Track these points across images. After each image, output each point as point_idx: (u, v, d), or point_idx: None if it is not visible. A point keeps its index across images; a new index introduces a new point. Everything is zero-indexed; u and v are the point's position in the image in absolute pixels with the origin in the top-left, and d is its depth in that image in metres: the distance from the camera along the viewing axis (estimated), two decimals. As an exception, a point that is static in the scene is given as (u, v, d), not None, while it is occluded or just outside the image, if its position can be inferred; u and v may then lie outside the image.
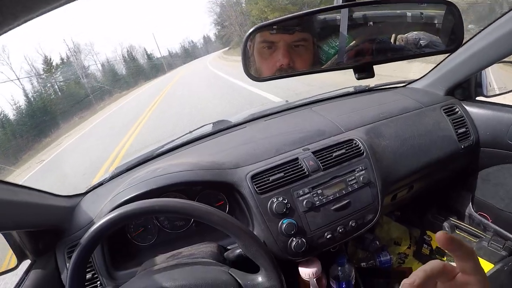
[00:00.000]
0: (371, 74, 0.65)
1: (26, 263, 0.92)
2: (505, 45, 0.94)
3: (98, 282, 0.89)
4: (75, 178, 5.71)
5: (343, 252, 1.03)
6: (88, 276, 0.88)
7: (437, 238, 0.36)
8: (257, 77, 0.71)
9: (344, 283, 1.00)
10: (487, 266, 1.14)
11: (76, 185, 5.03)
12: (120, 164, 1.18)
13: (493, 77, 1.25)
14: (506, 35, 0.92)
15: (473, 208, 1.28)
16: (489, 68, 1.18)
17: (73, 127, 18.41)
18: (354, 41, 0.72)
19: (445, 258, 1.26)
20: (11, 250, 0.89)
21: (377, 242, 1.19)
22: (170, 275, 0.68)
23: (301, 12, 0.67)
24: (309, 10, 0.67)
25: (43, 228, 0.88)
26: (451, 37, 0.73)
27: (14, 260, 0.90)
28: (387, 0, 0.77)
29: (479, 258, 1.17)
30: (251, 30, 0.69)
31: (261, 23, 0.69)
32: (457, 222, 1.25)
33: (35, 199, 0.80)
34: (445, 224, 1.25)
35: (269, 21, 0.68)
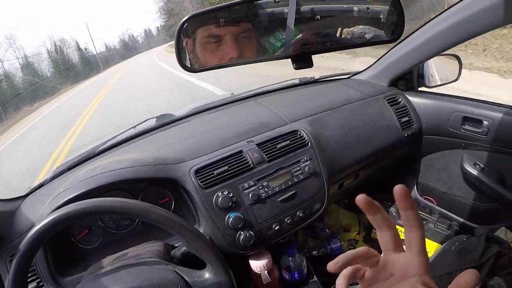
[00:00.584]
0: (310, 64, 0.66)
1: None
2: (446, 38, 0.99)
3: None
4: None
5: (293, 242, 1.04)
6: (33, 285, 0.83)
7: (357, 200, 0.36)
8: (193, 68, 0.70)
9: (296, 273, 1.02)
10: (434, 246, 1.21)
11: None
12: (61, 163, 1.12)
13: (434, 68, 1.32)
14: (446, 29, 0.97)
15: (418, 192, 1.35)
16: (431, 60, 1.24)
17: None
18: (300, 34, 0.73)
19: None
20: None
21: (327, 230, 1.22)
22: (116, 278, 0.66)
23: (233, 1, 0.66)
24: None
25: None
26: (393, 28, 0.76)
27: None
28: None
29: (428, 239, 1.24)
30: (185, 18, 0.67)
31: (197, 11, 0.68)
32: (403, 207, 1.31)
33: None
34: (392, 209, 1.31)
35: (205, 8, 0.67)
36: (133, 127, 1.21)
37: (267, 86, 1.39)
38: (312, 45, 0.70)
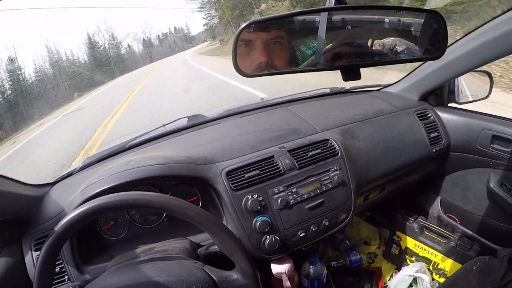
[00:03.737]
0: (358, 76, 0.66)
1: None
2: (479, 55, 0.98)
3: (66, 277, 0.85)
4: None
5: (315, 251, 1.04)
6: (56, 270, 0.84)
7: None
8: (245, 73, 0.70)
9: (315, 282, 1.02)
10: (455, 265, 1.18)
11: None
12: (92, 154, 1.14)
13: (465, 85, 1.31)
14: (480, 46, 0.96)
15: (441, 210, 1.32)
16: (462, 76, 1.22)
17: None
18: (331, 44, 0.73)
19: (413, 258, 1.30)
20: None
21: (347, 242, 1.22)
22: (144, 270, 0.66)
23: (295, 11, 0.68)
24: (302, 10, 0.68)
25: (8, 217, 0.84)
26: (436, 45, 0.75)
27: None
28: (369, 7, 0.79)
29: (448, 258, 1.21)
30: (245, 24, 0.68)
31: (256, 19, 0.69)
32: (426, 223, 1.29)
33: (1, 186, 0.77)
34: (415, 225, 1.29)
35: (265, 17, 0.68)
36: (163, 126, 1.23)
37: (298, 94, 1.40)
38: (344, 55, 0.70)
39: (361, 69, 0.72)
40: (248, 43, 0.68)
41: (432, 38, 0.76)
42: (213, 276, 0.65)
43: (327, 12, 0.69)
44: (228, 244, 0.65)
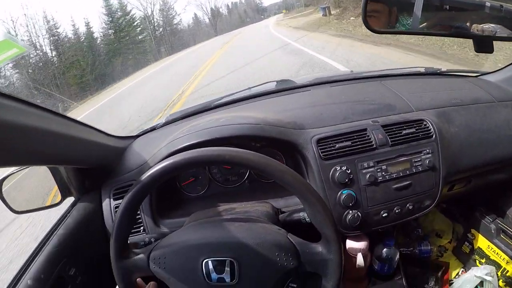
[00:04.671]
0: (490, 49, 0.61)
1: (70, 200, 0.92)
2: None
3: (142, 228, 0.88)
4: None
5: (391, 234, 1.01)
6: None
7: None
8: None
9: (386, 265, 0.99)
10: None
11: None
12: (175, 111, 1.17)
13: None
14: None
15: (523, 217, 1.22)
16: None
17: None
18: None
19: (483, 259, 1.22)
20: (56, 186, 0.90)
21: (420, 230, 1.17)
22: (227, 229, 0.65)
23: None
24: None
25: (91, 166, 0.87)
26: None
27: (58, 197, 0.91)
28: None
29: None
30: None
31: None
32: (504, 226, 1.20)
33: (87, 136, 0.78)
34: (492, 226, 1.20)
35: None
36: (248, 89, 1.22)
37: (391, 69, 1.33)
38: (493, 30, 0.65)
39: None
40: None
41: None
42: (296, 245, 0.63)
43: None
44: (320, 216, 0.62)
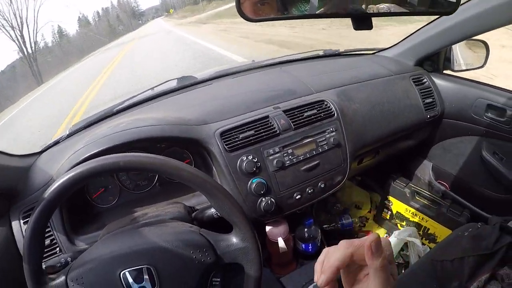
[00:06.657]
0: (369, 26, 0.63)
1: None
2: (476, 24, 0.96)
3: (58, 248, 0.82)
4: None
5: (310, 214, 1.04)
6: (46, 242, 0.81)
7: (369, 238, 0.38)
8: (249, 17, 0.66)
9: (310, 245, 1.02)
10: (445, 232, 1.21)
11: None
12: (78, 121, 1.09)
13: (460, 53, 1.29)
14: (478, 14, 0.94)
15: (433, 176, 1.34)
16: (458, 44, 1.20)
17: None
18: None
19: (404, 222, 1.32)
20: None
21: (339, 205, 1.23)
22: (138, 237, 0.63)
23: None
24: None
25: None
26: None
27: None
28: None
29: (438, 223, 1.23)
30: None
31: None
32: (417, 189, 1.31)
33: None
34: (406, 190, 1.30)
35: None
36: (151, 89, 1.18)
37: (291, 55, 1.35)
38: (371, 7, 0.67)
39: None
40: None
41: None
42: (210, 240, 0.63)
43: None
44: (226, 206, 0.61)
